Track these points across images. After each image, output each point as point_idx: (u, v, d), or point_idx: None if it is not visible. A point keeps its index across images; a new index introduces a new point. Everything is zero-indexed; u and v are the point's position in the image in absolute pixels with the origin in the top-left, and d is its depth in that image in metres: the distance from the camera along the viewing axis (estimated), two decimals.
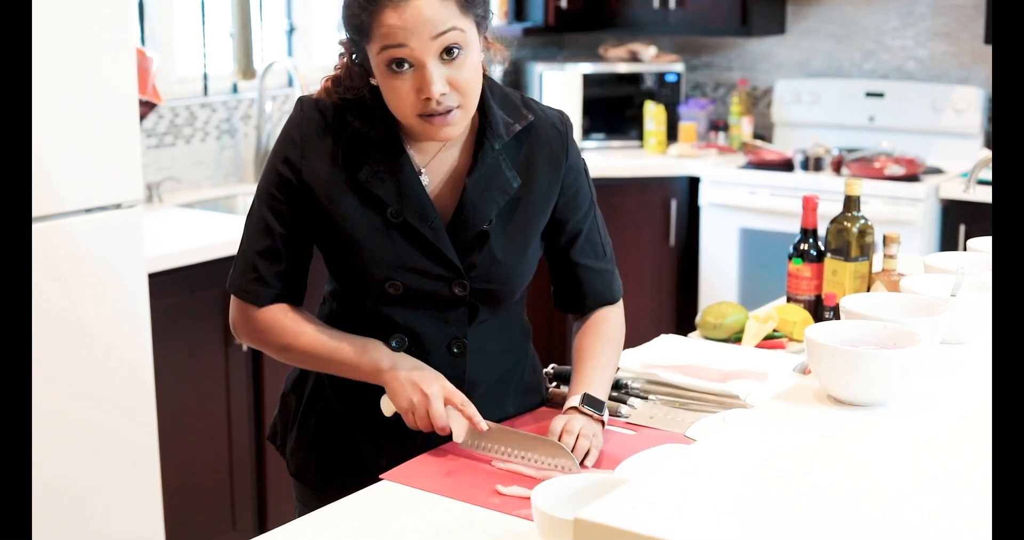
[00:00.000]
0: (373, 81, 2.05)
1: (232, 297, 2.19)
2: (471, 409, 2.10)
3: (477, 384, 2.21)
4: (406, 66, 1.96)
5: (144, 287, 3.38)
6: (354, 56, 2.06)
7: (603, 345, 2.27)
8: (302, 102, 2.13)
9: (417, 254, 2.09)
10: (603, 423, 2.17)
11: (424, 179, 2.11)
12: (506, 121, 2.13)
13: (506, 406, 2.28)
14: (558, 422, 2.13)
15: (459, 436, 2.11)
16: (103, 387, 3.30)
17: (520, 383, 2.31)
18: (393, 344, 2.15)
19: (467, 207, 2.10)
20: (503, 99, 2.15)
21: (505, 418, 2.27)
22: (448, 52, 1.97)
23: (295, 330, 2.15)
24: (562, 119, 2.22)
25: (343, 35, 2.06)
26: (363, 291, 2.14)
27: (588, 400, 2.16)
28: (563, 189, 2.20)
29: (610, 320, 2.31)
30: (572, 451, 2.07)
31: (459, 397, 2.10)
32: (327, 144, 2.09)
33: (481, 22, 2.03)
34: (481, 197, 2.10)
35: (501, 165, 2.12)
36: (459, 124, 2.02)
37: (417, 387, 2.08)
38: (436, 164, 2.13)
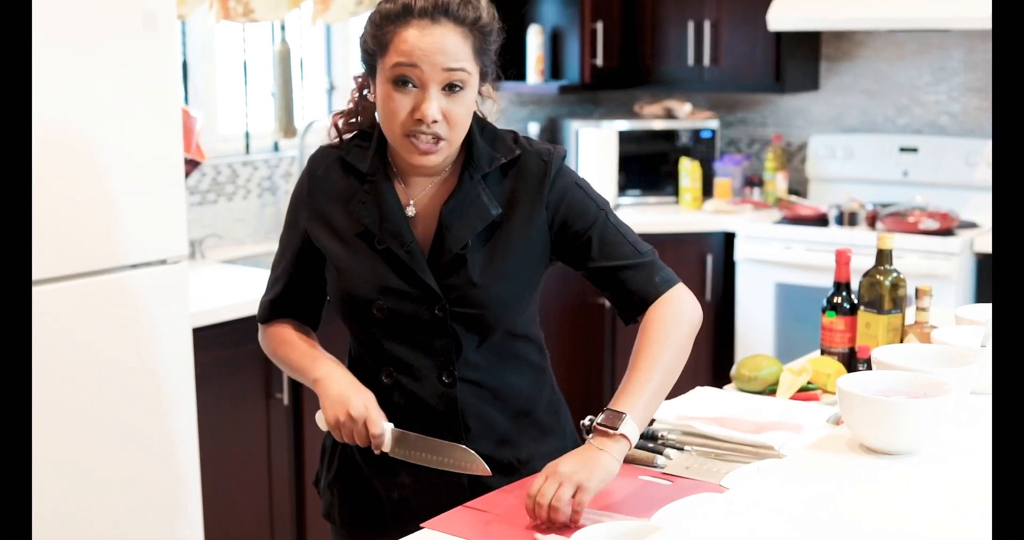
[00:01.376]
0: (371, 96, 2.22)
1: None
2: (375, 433, 2.18)
3: (470, 414, 2.27)
4: (410, 85, 2.12)
5: (188, 341, 3.44)
6: (365, 91, 2.26)
7: (644, 349, 2.19)
8: (317, 149, 2.34)
9: (396, 277, 2.23)
10: (628, 440, 2.10)
11: (411, 210, 2.25)
12: (491, 155, 2.24)
13: (519, 446, 2.31)
14: (538, 479, 2.07)
15: (387, 446, 2.22)
16: (148, 439, 3.35)
17: (533, 425, 2.34)
18: (383, 379, 2.28)
19: (443, 232, 2.22)
20: (494, 137, 2.28)
21: (521, 460, 2.30)
22: (451, 87, 2.13)
23: (279, 338, 2.37)
24: (551, 151, 2.28)
25: (360, 68, 2.23)
26: (355, 317, 2.28)
27: (606, 418, 2.10)
28: (556, 206, 2.24)
29: (652, 319, 2.24)
30: (547, 521, 2.03)
31: (373, 425, 2.18)
32: (329, 181, 2.28)
33: (486, 72, 2.20)
34: (457, 222, 2.22)
35: (480, 193, 2.22)
36: (440, 154, 2.17)
37: (344, 407, 2.18)
38: (423, 197, 2.26)
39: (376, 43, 2.15)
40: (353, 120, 2.32)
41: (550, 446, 2.34)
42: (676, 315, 2.24)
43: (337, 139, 2.33)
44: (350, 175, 2.27)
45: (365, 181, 2.25)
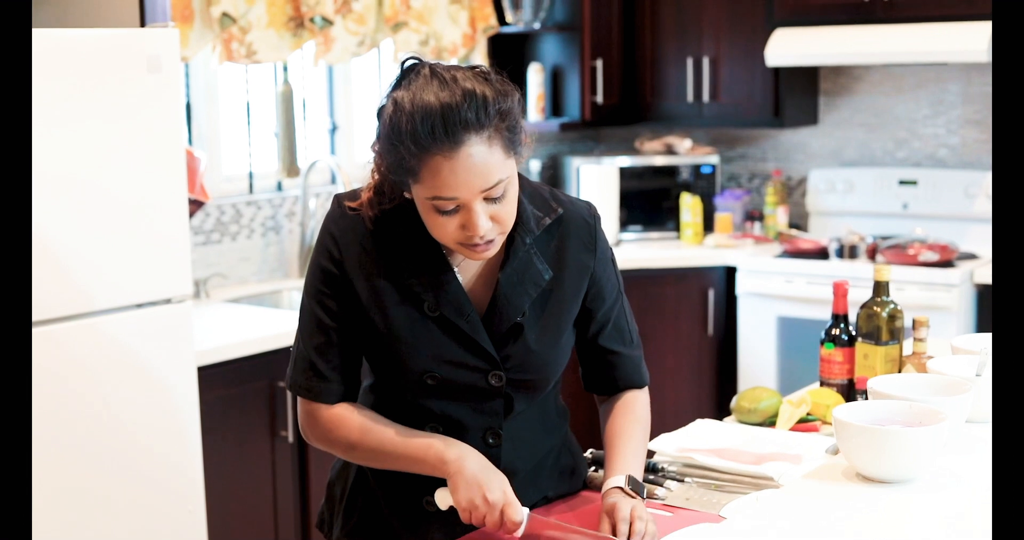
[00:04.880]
0: (408, 195, 2.08)
1: (298, 399, 2.21)
2: (517, 520, 2.07)
3: (514, 471, 2.22)
4: (452, 207, 2.00)
5: (193, 380, 3.47)
6: (387, 167, 2.06)
7: (634, 426, 2.29)
8: (339, 198, 2.18)
9: (455, 346, 2.14)
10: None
11: (459, 275, 2.15)
12: (536, 216, 2.17)
13: (543, 488, 2.31)
14: (623, 509, 2.11)
15: (520, 532, 2.10)
16: (154, 477, 3.37)
17: (557, 466, 2.34)
18: (426, 430, 2.17)
19: (500, 300, 2.15)
20: (533, 194, 2.19)
21: (542, 499, 2.30)
22: (494, 198, 2.01)
23: (362, 427, 2.16)
24: (590, 211, 2.26)
25: (376, 144, 2.07)
26: (401, 383, 2.17)
27: (631, 482, 2.18)
28: (593, 280, 2.24)
29: (639, 401, 2.34)
30: (631, 534, 2.06)
31: (514, 512, 2.07)
32: (364, 240, 2.13)
33: (520, 153, 2.05)
34: (514, 290, 2.15)
35: (533, 258, 2.16)
36: (496, 246, 2.08)
37: (481, 491, 2.06)
38: (470, 260, 2.16)
39: (401, 169, 2.00)
40: (387, 196, 2.12)
41: (569, 485, 2.38)
42: (649, 409, 2.36)
43: (362, 204, 2.14)
44: (380, 235, 2.13)
45: (407, 243, 2.12)
